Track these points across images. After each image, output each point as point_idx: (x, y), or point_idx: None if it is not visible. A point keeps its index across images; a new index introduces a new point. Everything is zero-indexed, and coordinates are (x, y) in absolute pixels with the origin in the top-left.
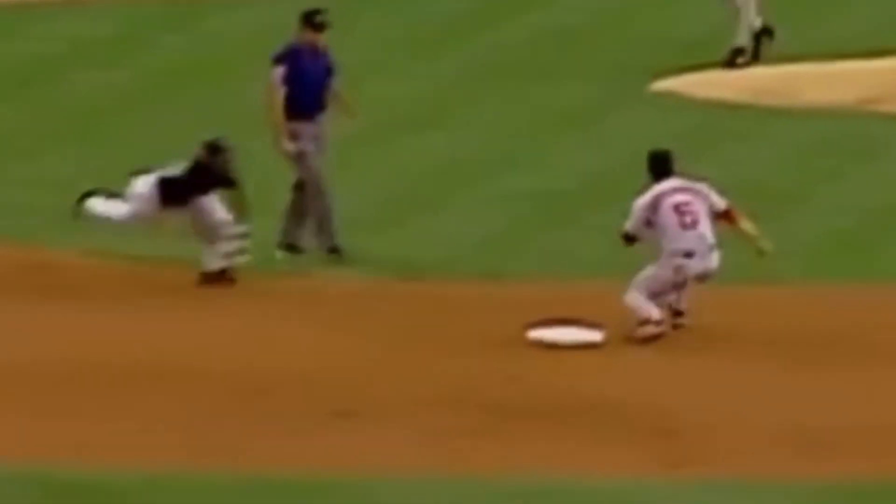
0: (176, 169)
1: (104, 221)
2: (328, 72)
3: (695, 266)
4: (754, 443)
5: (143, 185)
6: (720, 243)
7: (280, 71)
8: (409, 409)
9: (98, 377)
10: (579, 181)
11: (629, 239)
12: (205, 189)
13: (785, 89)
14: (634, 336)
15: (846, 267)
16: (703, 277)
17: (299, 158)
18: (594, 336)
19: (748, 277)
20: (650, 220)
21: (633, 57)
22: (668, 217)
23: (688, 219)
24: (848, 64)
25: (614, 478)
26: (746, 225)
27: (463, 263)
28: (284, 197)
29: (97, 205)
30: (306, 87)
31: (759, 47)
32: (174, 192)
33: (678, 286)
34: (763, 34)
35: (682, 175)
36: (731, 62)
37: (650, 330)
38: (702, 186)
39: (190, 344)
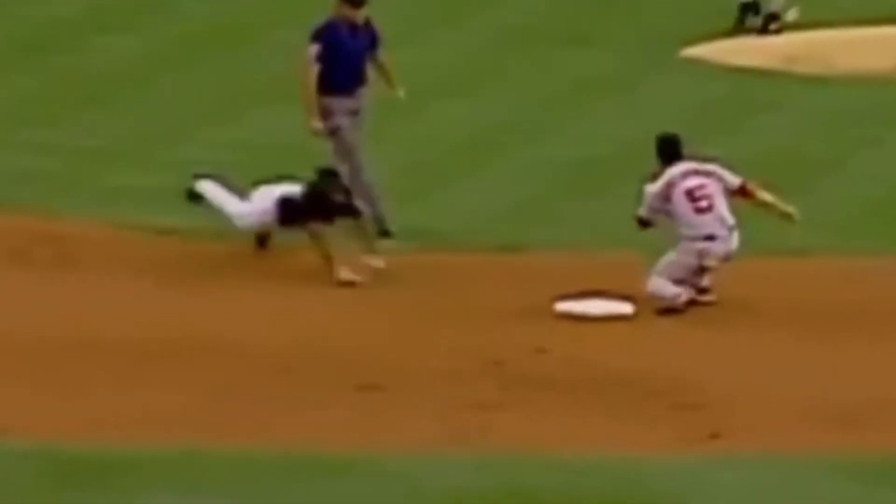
0: (297, 189)
1: (216, 209)
2: (371, 44)
3: (718, 249)
4: (781, 417)
5: (266, 198)
6: (746, 217)
7: (314, 48)
8: (434, 383)
9: (115, 352)
10: (608, 149)
11: (644, 223)
12: (326, 217)
13: (818, 56)
14: (663, 304)
15: (879, 237)
16: (726, 259)
17: (333, 134)
18: (624, 308)
19: (778, 249)
20: (663, 209)
21: (662, 23)
22: (681, 204)
23: (703, 203)
24: (882, 30)
25: (640, 452)
26: (765, 196)
27: (490, 234)
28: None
29: (209, 188)
30: (343, 63)
31: (743, 19)
32: (293, 214)
33: (700, 272)
34: (749, 8)
35: (693, 157)
36: (763, 28)
37: (681, 299)
38: (713, 167)
39: (211, 318)
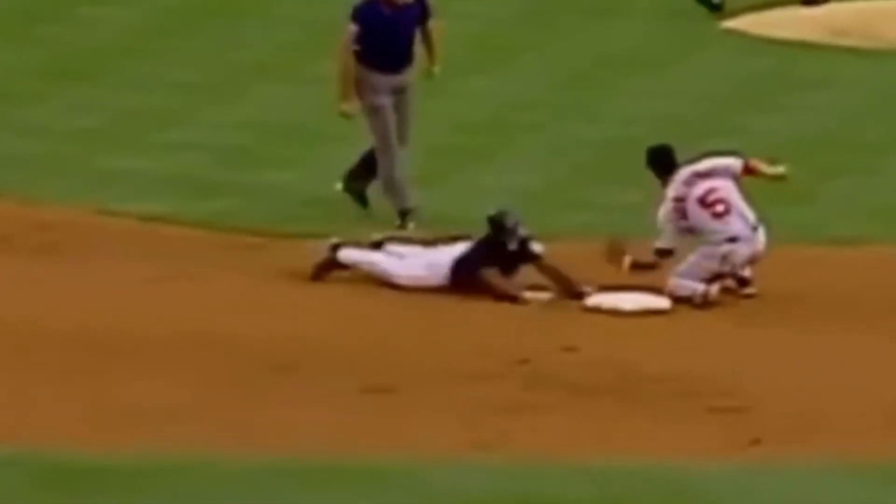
0: (468, 244)
1: (367, 267)
2: (420, 17)
3: (743, 251)
4: (830, 420)
5: (442, 257)
6: (791, 203)
7: (352, 29)
8: (452, 384)
9: (102, 347)
10: (641, 130)
11: (665, 254)
12: (507, 268)
13: (867, 28)
14: (696, 298)
15: None
16: (752, 261)
17: (372, 113)
18: (660, 303)
19: (826, 237)
20: (684, 228)
21: None
22: (698, 215)
23: (719, 207)
24: None
25: (675, 459)
26: (765, 168)
27: None
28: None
29: (352, 254)
30: (386, 42)
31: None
32: (467, 273)
33: (724, 276)
34: None
35: (687, 161)
36: None
37: (712, 294)
38: (713, 163)
39: (206, 311)
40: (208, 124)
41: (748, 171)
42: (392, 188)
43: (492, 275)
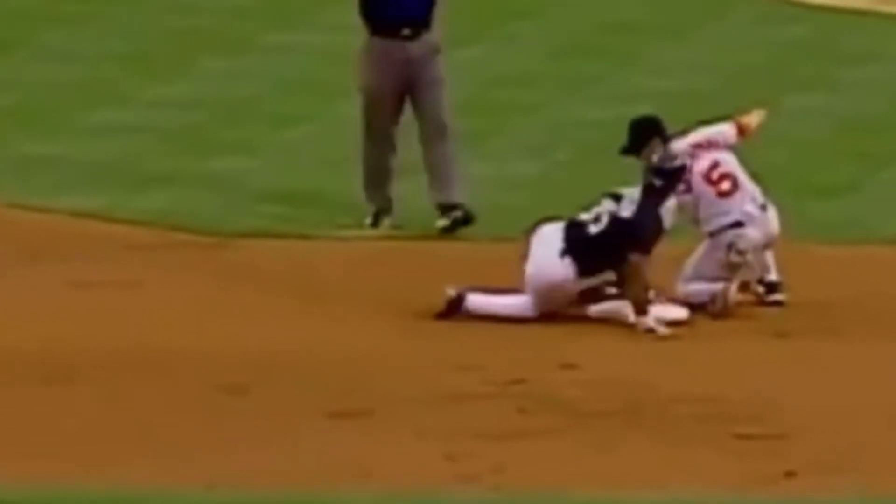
0: (627, 203)
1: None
2: None
3: (752, 234)
4: (881, 448)
5: (547, 252)
6: (821, 195)
7: None
8: (434, 408)
9: (17, 367)
10: (656, 109)
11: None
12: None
13: None
14: (715, 308)
15: None
16: (766, 245)
17: (362, 93)
18: (675, 312)
19: (867, 236)
20: (685, 201)
21: None
22: (703, 191)
23: (725, 185)
24: None
25: (700, 495)
26: (751, 120)
27: (506, 215)
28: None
29: (477, 300)
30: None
31: None
32: (600, 251)
33: (734, 268)
34: None
35: (677, 133)
36: None
37: (731, 293)
38: (707, 132)
39: (143, 323)
40: (148, 102)
41: (741, 131)
42: (370, 184)
43: (643, 264)
